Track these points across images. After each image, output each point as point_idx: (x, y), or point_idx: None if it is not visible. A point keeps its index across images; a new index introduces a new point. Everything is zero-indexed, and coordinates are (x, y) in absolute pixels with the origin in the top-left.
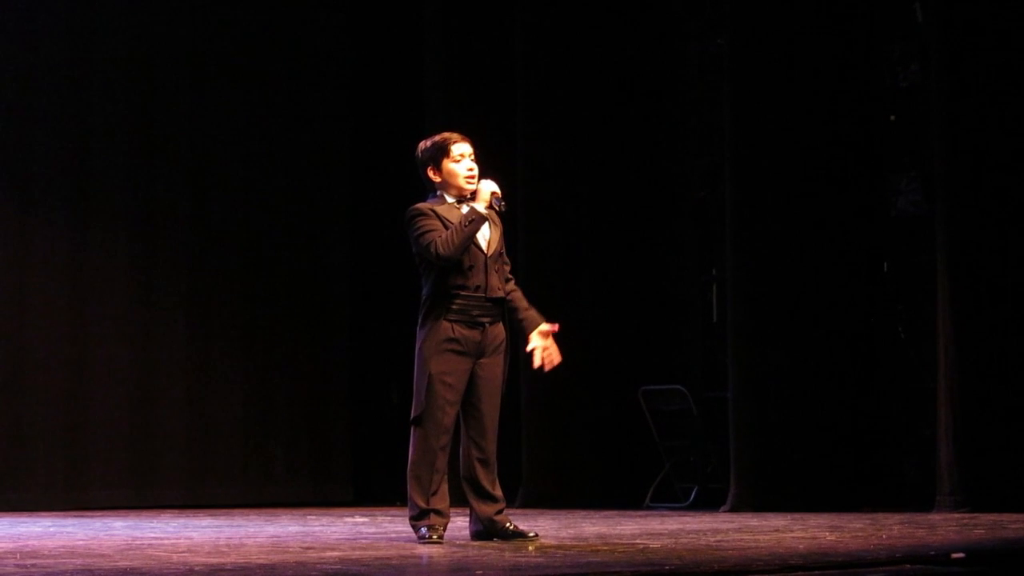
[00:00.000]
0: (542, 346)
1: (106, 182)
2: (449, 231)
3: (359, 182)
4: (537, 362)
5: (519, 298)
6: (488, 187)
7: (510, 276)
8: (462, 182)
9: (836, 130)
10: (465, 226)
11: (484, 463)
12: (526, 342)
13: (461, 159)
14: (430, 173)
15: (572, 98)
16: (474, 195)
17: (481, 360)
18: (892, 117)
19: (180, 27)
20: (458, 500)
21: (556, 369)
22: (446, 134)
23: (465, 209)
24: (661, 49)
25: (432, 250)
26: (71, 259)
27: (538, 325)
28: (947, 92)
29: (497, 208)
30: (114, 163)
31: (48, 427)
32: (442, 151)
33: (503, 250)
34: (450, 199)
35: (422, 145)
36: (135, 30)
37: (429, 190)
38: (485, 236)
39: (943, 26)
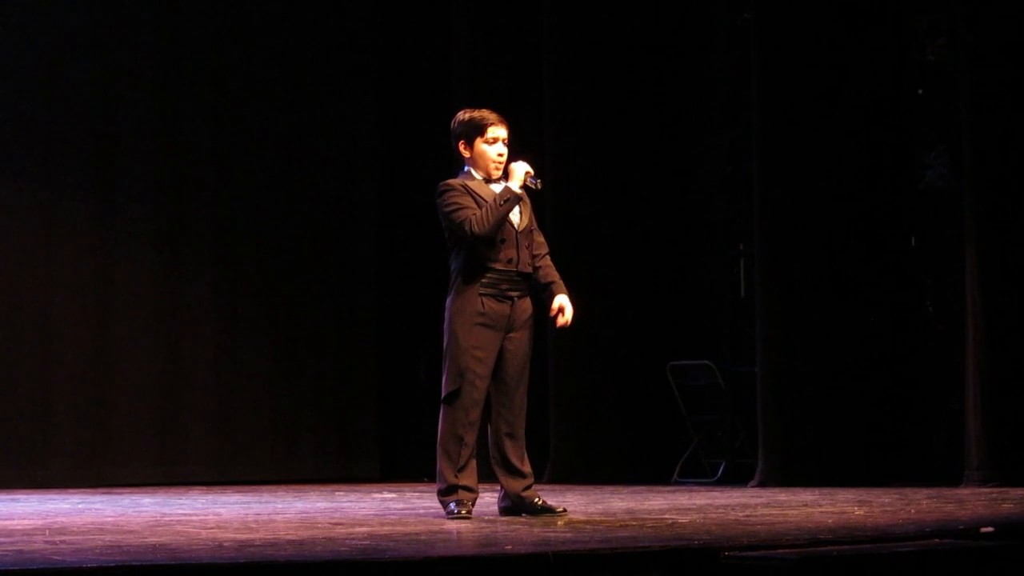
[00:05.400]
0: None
1: (132, 164)
2: (484, 209)
3: (386, 161)
4: (560, 322)
5: (550, 270)
6: (522, 168)
7: (545, 249)
8: (490, 166)
9: (863, 104)
10: (500, 205)
11: (513, 438)
12: (550, 305)
13: (494, 142)
14: (461, 147)
15: (599, 73)
16: (506, 175)
17: (510, 334)
18: (919, 91)
19: (205, 15)
20: (486, 476)
21: (584, 344)
22: (485, 112)
23: (497, 188)
24: (688, 23)
25: (467, 228)
26: (98, 238)
27: (563, 292)
28: (974, 66)
29: (533, 186)
30: (139, 145)
31: (76, 405)
32: (477, 130)
33: (534, 226)
34: (478, 177)
35: (460, 116)
36: (160, 20)
37: (458, 161)
38: (516, 213)
39: None
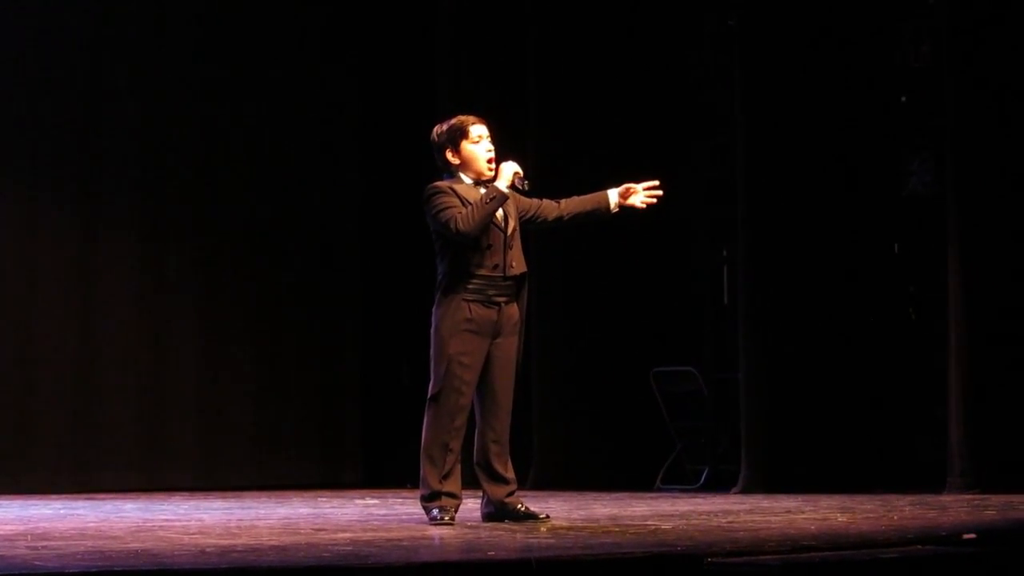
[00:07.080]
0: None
1: (115, 168)
2: (470, 208)
3: (369, 164)
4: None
5: (571, 198)
6: (511, 168)
7: (547, 201)
8: (482, 164)
9: (847, 110)
10: (486, 203)
11: (497, 444)
12: (613, 206)
13: (480, 140)
14: (448, 155)
15: (583, 78)
16: (494, 177)
17: (496, 340)
18: (904, 98)
19: (189, 21)
20: (470, 482)
21: (567, 349)
22: (462, 117)
23: (483, 190)
24: (673, 28)
25: (452, 226)
26: (81, 242)
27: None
28: (959, 73)
29: (521, 188)
30: (122, 150)
31: (59, 410)
32: (460, 133)
33: (526, 207)
34: (468, 180)
35: (438, 129)
36: (144, 22)
37: (445, 173)
38: (505, 215)
39: (955, 6)
